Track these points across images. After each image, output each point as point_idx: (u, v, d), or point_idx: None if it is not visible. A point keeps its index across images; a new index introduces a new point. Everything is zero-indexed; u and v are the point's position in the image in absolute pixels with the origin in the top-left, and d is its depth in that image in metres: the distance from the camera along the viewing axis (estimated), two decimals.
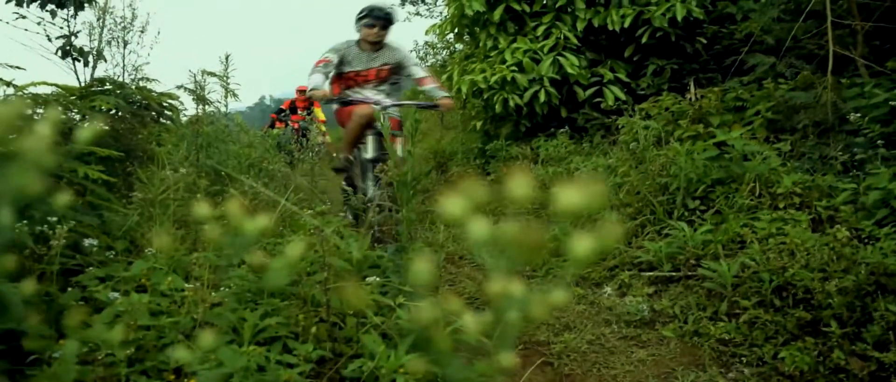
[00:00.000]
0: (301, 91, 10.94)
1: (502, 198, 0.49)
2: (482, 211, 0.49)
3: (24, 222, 1.92)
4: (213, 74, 4.09)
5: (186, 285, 1.99)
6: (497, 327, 0.53)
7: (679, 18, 6.68)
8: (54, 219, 1.93)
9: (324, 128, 10.90)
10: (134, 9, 5.39)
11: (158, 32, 5.72)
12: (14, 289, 1.72)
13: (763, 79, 5.47)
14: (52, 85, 2.51)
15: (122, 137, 3.24)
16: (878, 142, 3.77)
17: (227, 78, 4.34)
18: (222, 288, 2.09)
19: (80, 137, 0.76)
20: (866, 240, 3.00)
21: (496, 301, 0.52)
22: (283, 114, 11.74)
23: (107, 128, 3.38)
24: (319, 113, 10.79)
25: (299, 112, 11.17)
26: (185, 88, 3.89)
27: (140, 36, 5.24)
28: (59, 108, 2.60)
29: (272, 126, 11.28)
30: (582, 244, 0.50)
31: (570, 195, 0.47)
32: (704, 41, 7.02)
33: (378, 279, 2.31)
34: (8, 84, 2.37)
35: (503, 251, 0.49)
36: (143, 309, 1.81)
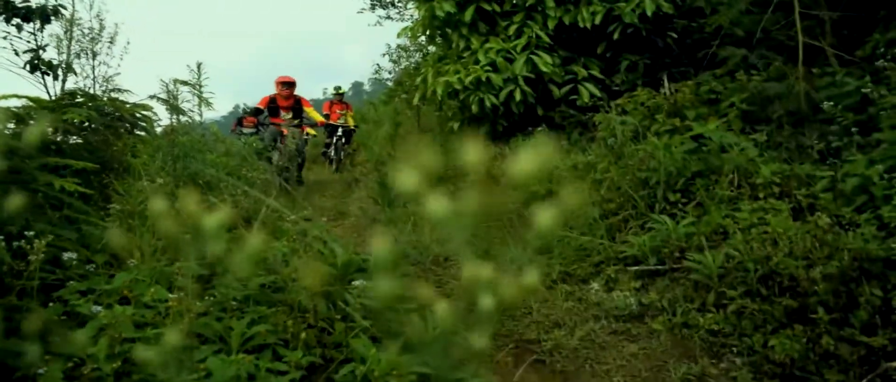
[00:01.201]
0: (284, 82, 8.55)
1: (458, 168, 0.47)
2: (440, 184, 0.47)
3: (1, 238, 1.85)
4: (185, 83, 4.02)
5: (170, 295, 1.94)
6: (470, 313, 0.50)
7: (649, 14, 6.74)
8: (32, 233, 1.87)
9: (314, 132, 10.43)
10: (101, 20, 5.28)
11: (128, 42, 5.61)
12: None
13: (735, 71, 5.54)
14: (22, 98, 2.44)
15: (96, 150, 3.16)
16: (853, 129, 3.83)
17: (201, 87, 4.27)
18: (207, 297, 2.04)
19: (27, 138, 0.71)
20: (847, 226, 3.04)
21: (468, 285, 0.50)
22: (261, 115, 8.72)
23: (80, 140, 3.30)
24: (314, 114, 9.23)
25: (282, 113, 8.63)
26: (158, 99, 3.81)
27: (109, 47, 5.14)
28: (31, 122, 2.53)
29: (240, 123, 8.50)
30: (545, 215, 0.48)
31: (525, 161, 0.45)
32: (675, 36, 7.10)
33: (364, 282, 2.28)
34: None
35: (463, 223, 0.46)
36: (127, 322, 1.76)
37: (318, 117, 9.43)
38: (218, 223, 0.66)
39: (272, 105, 8.48)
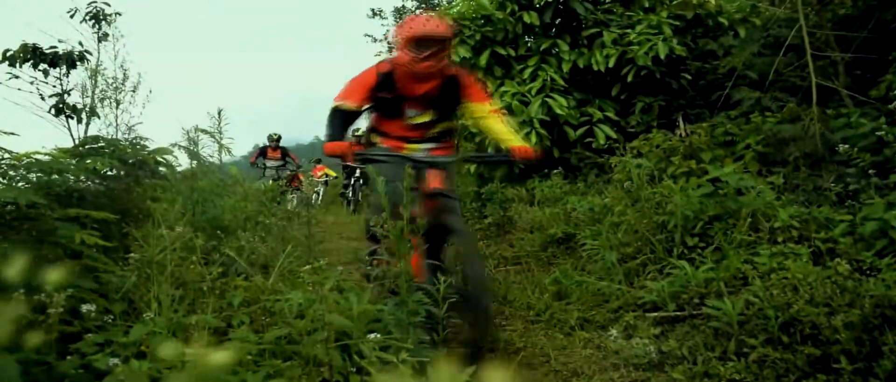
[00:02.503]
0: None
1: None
2: None
3: (21, 290, 1.88)
4: (206, 132, 4.09)
5: (187, 349, 1.94)
6: None
7: (662, 56, 6.80)
8: (51, 288, 1.89)
9: (333, 174, 11.06)
10: (126, 70, 5.43)
11: (150, 91, 5.76)
12: (11, 362, 1.67)
13: (750, 113, 5.55)
14: (46, 154, 2.50)
15: (117, 198, 3.21)
16: (870, 171, 3.80)
17: (221, 134, 4.35)
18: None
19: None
20: (868, 272, 2.99)
21: None
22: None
23: (102, 187, 3.36)
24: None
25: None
26: (180, 146, 3.89)
27: (132, 95, 5.27)
28: (54, 174, 2.59)
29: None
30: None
31: None
32: (689, 77, 7.13)
33: (379, 335, 2.27)
34: (5, 152, 2.36)
35: None
36: (144, 378, 1.77)
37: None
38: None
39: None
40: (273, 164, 11.01)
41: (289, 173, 10.49)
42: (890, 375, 2.32)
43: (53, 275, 0.88)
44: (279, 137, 11.76)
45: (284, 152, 11.24)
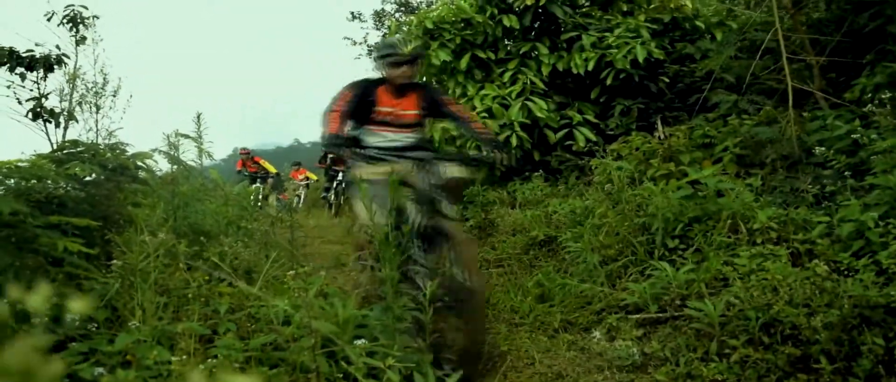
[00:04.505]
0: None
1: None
2: None
3: (4, 301, 1.85)
4: (187, 136, 4.05)
5: (173, 357, 1.93)
6: None
7: (640, 60, 6.88)
8: (35, 297, 1.86)
9: (314, 177, 11.43)
10: (105, 74, 5.36)
11: (130, 96, 5.69)
12: None
13: (727, 115, 5.63)
14: (25, 162, 2.46)
15: (98, 204, 3.17)
16: (846, 173, 3.88)
17: (201, 139, 4.31)
18: (209, 359, 2.03)
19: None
20: (845, 272, 3.06)
21: None
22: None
23: (83, 194, 3.31)
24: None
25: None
26: (161, 152, 3.84)
27: (112, 100, 5.20)
28: (34, 180, 2.55)
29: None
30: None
31: None
32: (667, 80, 7.22)
33: (365, 341, 2.26)
34: None
35: None
36: None
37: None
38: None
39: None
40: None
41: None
42: (869, 374, 2.38)
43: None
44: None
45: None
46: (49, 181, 2.94)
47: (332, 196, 10.88)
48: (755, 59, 5.68)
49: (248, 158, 12.65)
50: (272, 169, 12.51)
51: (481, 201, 6.50)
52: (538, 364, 3.12)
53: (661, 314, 3.42)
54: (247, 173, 11.99)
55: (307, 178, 13.35)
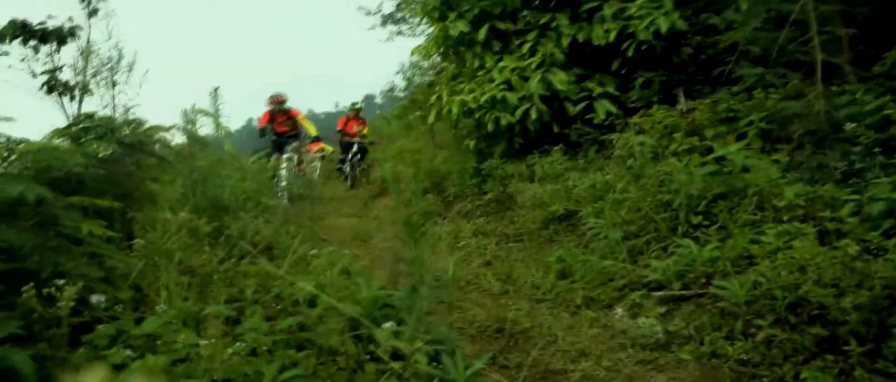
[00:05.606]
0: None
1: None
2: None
3: (31, 284, 1.86)
4: (205, 113, 4.03)
5: (201, 341, 1.93)
6: None
7: (663, 31, 6.71)
8: (62, 282, 1.87)
9: (330, 148, 10.47)
10: (120, 48, 5.33)
11: (147, 70, 5.67)
12: (25, 357, 1.65)
13: (752, 89, 5.50)
14: (43, 140, 2.45)
15: (118, 182, 3.17)
16: (875, 149, 3.79)
17: (219, 114, 4.29)
18: (237, 342, 2.03)
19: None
20: (875, 252, 2.99)
21: None
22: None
23: (102, 171, 3.31)
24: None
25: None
26: (179, 128, 3.83)
27: (127, 75, 5.18)
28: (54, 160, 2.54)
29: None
30: None
31: None
32: (690, 52, 7.06)
33: (393, 324, 2.25)
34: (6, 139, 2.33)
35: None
36: (159, 373, 1.75)
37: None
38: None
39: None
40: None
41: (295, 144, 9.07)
42: None
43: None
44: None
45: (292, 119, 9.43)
46: (68, 160, 2.94)
47: (348, 168, 10.86)
48: (782, 30, 5.52)
49: (278, 110, 9.03)
50: (313, 130, 9.43)
51: (500, 174, 6.45)
52: (561, 341, 3.11)
53: (684, 292, 3.39)
54: (274, 136, 9.01)
55: (323, 150, 13.30)
